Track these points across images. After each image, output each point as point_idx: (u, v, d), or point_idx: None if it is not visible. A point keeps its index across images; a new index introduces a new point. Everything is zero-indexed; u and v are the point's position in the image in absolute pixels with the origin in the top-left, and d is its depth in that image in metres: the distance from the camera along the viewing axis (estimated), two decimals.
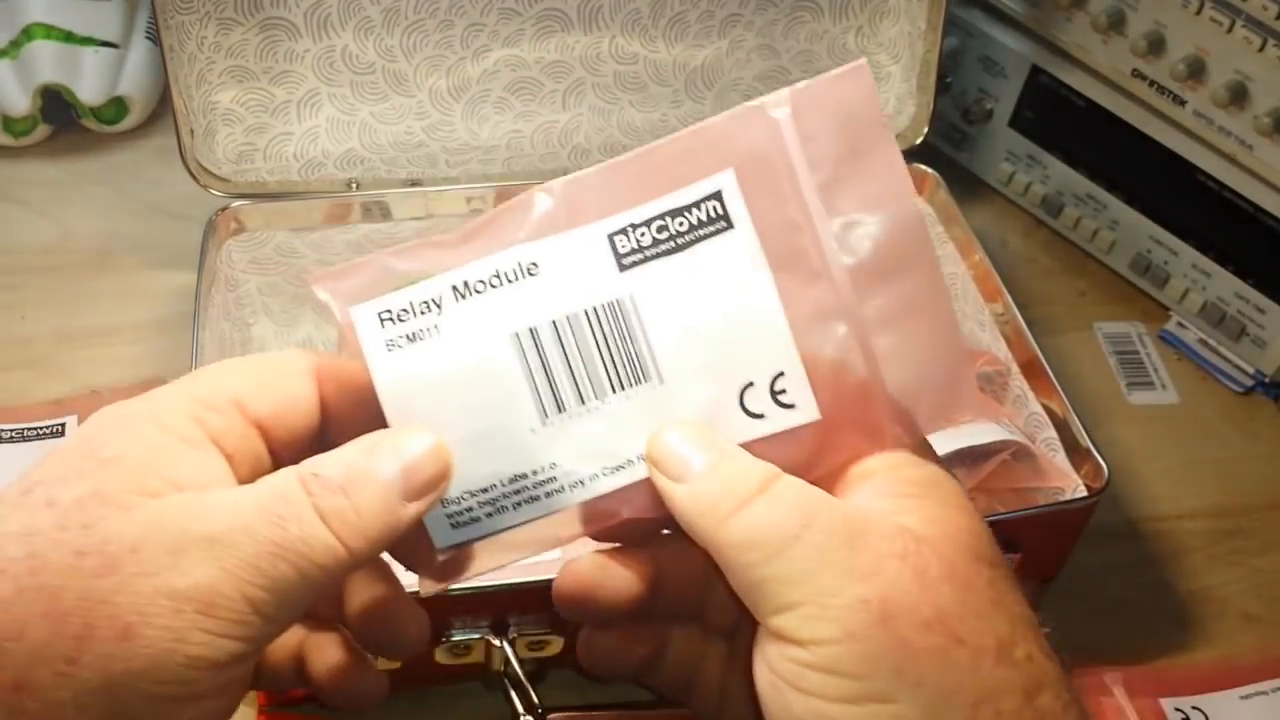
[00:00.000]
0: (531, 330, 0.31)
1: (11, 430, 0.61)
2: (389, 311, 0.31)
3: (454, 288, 0.31)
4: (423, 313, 0.31)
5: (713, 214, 0.31)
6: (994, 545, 0.32)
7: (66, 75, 0.73)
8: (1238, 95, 0.62)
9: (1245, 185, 0.65)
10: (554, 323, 0.31)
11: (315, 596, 0.29)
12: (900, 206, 0.31)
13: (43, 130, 0.77)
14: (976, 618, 0.30)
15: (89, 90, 0.74)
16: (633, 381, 0.32)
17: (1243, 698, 0.55)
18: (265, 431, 0.31)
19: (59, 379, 0.64)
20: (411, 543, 0.32)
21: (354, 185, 0.65)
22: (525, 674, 0.50)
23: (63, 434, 0.61)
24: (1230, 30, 0.61)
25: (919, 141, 0.69)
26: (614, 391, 0.32)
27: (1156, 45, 0.65)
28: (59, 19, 0.74)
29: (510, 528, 0.32)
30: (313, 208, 0.64)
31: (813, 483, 0.31)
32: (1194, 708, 0.54)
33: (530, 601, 0.49)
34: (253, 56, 0.63)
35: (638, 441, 0.32)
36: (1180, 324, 0.71)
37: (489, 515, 0.32)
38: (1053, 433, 0.57)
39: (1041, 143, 0.74)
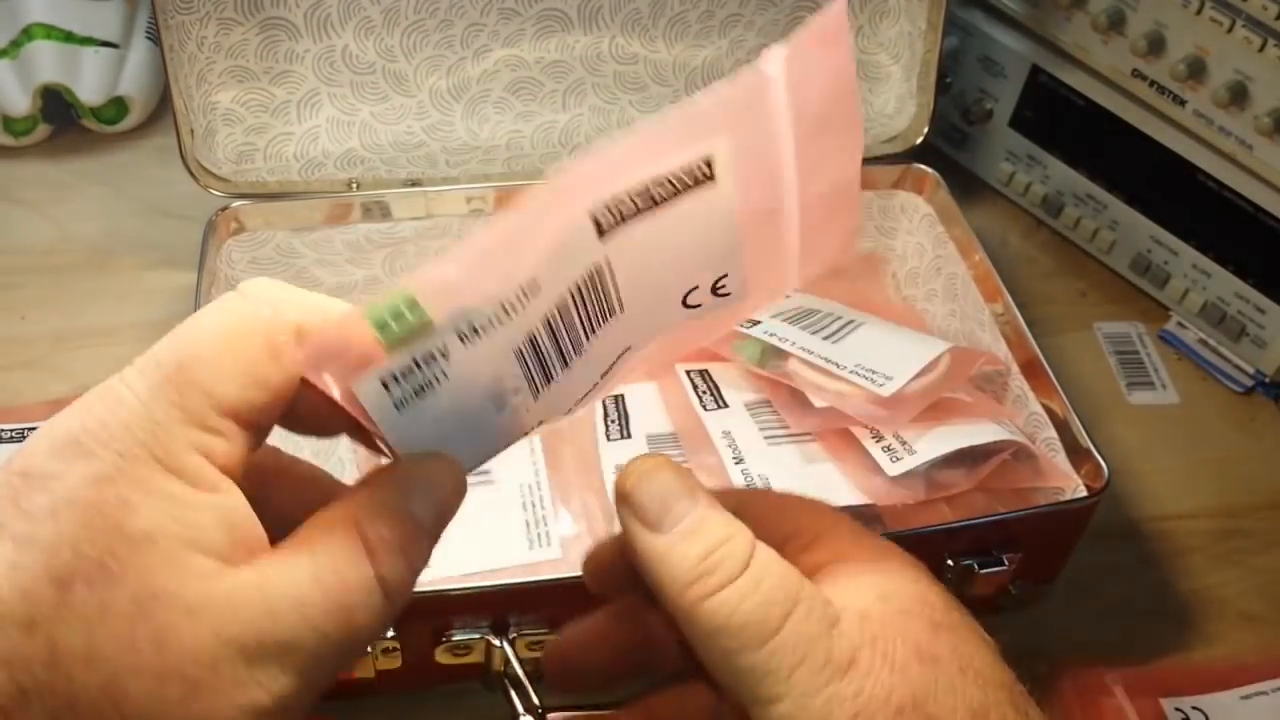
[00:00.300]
0: (532, 337, 0.31)
1: (11, 430, 0.61)
2: (393, 375, 0.29)
3: (459, 334, 0.29)
4: (428, 364, 0.29)
5: (701, 175, 0.31)
6: (946, 600, 0.32)
7: (66, 75, 0.73)
8: (1238, 95, 0.62)
9: (1245, 185, 0.65)
10: (548, 319, 0.31)
11: None
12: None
13: (43, 130, 0.77)
14: (948, 693, 0.29)
15: (89, 90, 0.74)
16: (602, 321, 0.32)
17: (1243, 698, 0.55)
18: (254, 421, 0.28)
19: (59, 379, 0.64)
20: None
21: (354, 185, 0.65)
22: (525, 674, 0.50)
23: None
24: (1230, 30, 0.61)
25: (919, 141, 0.69)
26: (588, 339, 0.32)
27: (1156, 45, 0.65)
28: (59, 19, 0.74)
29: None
30: (313, 208, 0.64)
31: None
32: (1194, 708, 0.54)
33: (530, 602, 0.49)
34: (253, 56, 0.63)
35: (603, 367, 0.33)
36: (1180, 324, 0.71)
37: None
38: (1053, 433, 0.57)
39: (1041, 143, 0.74)
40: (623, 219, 0.30)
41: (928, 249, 0.69)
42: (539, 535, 0.56)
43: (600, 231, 0.30)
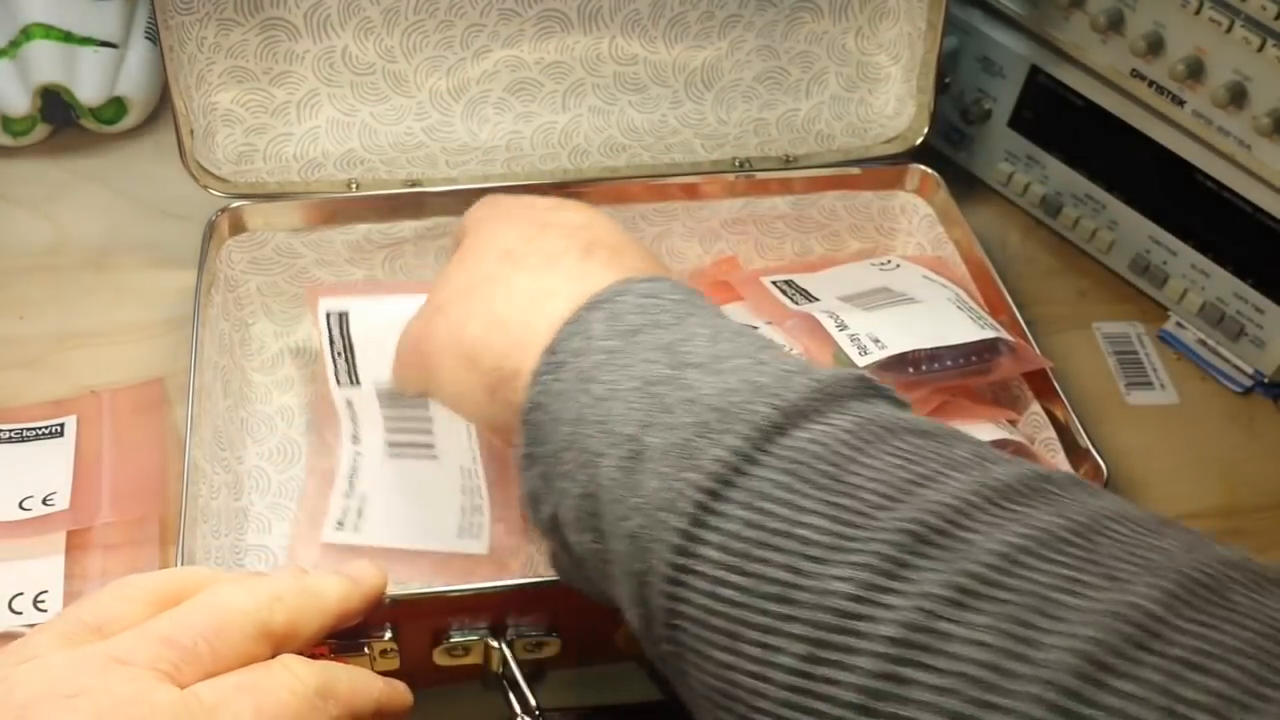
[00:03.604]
0: None
1: (10, 430, 0.61)
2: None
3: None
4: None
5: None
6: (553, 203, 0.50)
7: (66, 75, 0.73)
8: (1237, 95, 0.62)
9: (1244, 185, 0.65)
10: None
11: None
12: None
13: (42, 130, 0.77)
14: (525, 239, 0.46)
15: (88, 90, 0.74)
16: None
17: None
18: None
19: (58, 379, 0.64)
20: None
21: (354, 186, 0.65)
22: (523, 675, 0.50)
23: (61, 434, 0.61)
24: (1230, 30, 0.61)
25: (919, 142, 0.69)
26: None
27: (1156, 45, 0.65)
28: (58, 19, 0.74)
29: None
30: (313, 208, 0.64)
31: None
32: None
33: (529, 603, 0.49)
34: (252, 57, 0.63)
35: None
36: (1179, 324, 0.71)
37: None
38: (1052, 433, 0.57)
39: (1040, 143, 0.74)
40: None
41: (927, 249, 0.69)
42: (470, 524, 0.56)
43: None
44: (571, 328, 0.40)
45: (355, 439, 0.58)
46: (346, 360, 0.58)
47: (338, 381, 0.58)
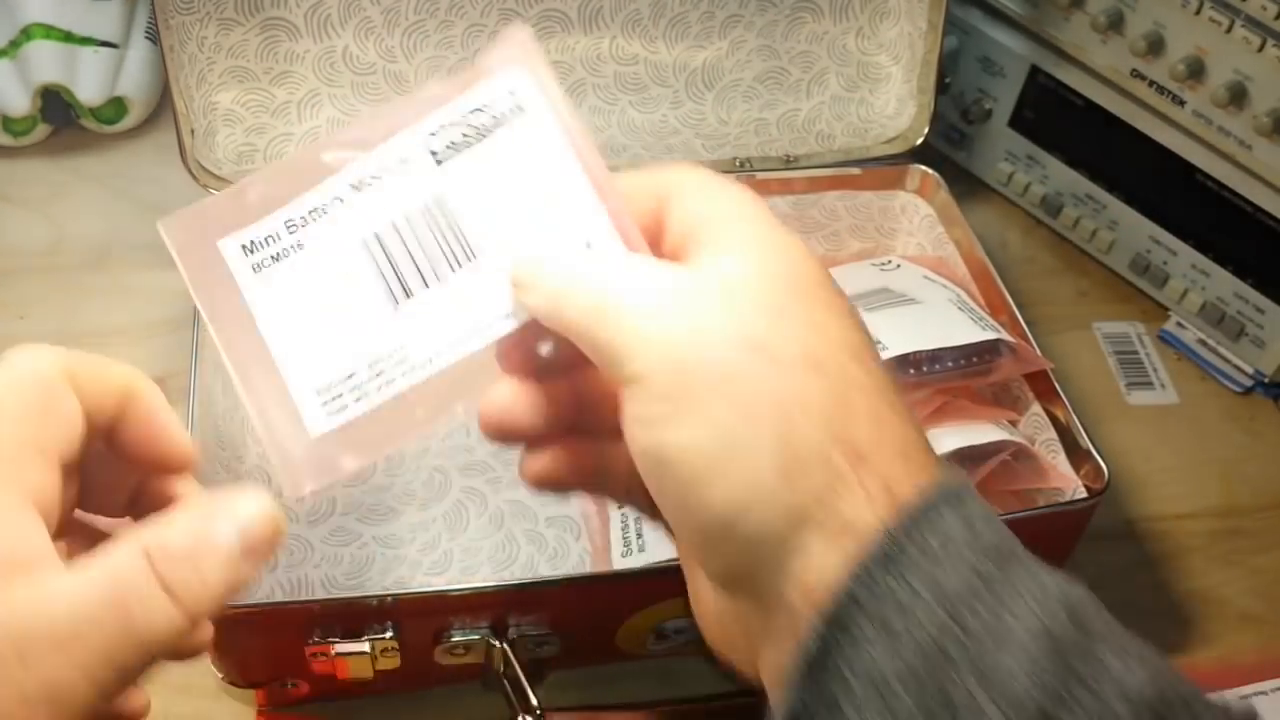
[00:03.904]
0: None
1: None
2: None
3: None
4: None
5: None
6: (813, 273, 0.33)
7: (66, 75, 0.73)
8: (1237, 95, 0.62)
9: (1245, 185, 0.65)
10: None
11: (155, 663, 0.29)
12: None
13: (42, 130, 0.77)
14: (788, 340, 0.31)
15: (88, 90, 0.74)
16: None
17: (1242, 698, 0.55)
18: (62, 462, 0.31)
19: None
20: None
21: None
22: (524, 675, 0.50)
23: None
24: (1230, 30, 0.61)
25: (919, 142, 0.69)
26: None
27: (1156, 45, 0.65)
28: (58, 19, 0.74)
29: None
30: None
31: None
32: None
33: (530, 602, 0.49)
34: (253, 57, 0.63)
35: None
36: (1180, 324, 0.71)
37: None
38: (1053, 434, 0.57)
39: (1041, 143, 0.74)
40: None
41: (928, 249, 0.69)
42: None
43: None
44: (919, 515, 0.29)
45: None
46: None
47: None
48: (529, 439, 0.36)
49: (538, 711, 0.49)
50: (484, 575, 0.56)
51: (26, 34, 0.73)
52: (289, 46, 0.64)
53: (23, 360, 0.32)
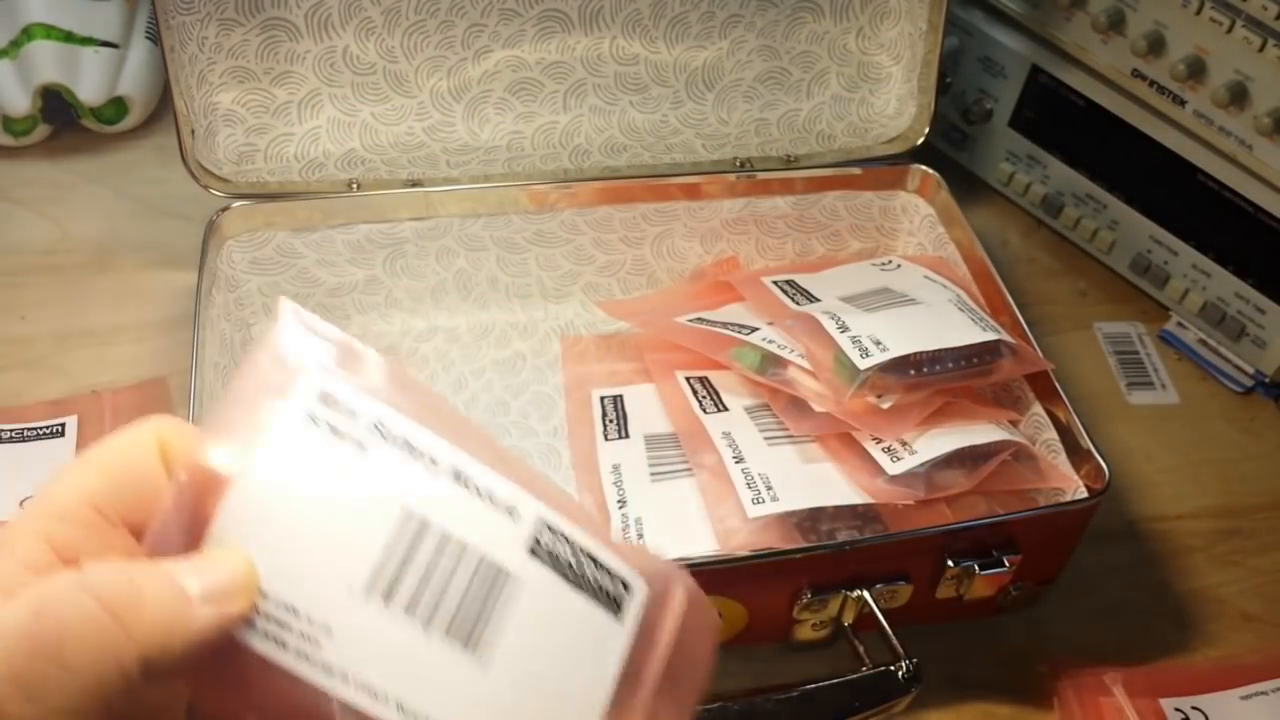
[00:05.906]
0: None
1: (11, 430, 0.61)
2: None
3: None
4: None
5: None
6: None
7: (66, 75, 0.73)
8: (1238, 95, 0.62)
9: (1245, 185, 0.65)
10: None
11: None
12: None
13: (43, 130, 0.77)
14: None
15: (89, 90, 0.74)
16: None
17: (1243, 698, 0.55)
18: (133, 528, 0.29)
19: (59, 379, 0.64)
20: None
21: (355, 186, 0.65)
22: None
23: (62, 434, 0.61)
24: (1230, 30, 0.61)
25: (920, 142, 0.69)
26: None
27: (1156, 45, 0.65)
28: (59, 19, 0.74)
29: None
30: (313, 208, 0.64)
31: None
32: (1194, 708, 0.54)
33: None
34: (254, 57, 0.63)
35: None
36: (1180, 324, 0.71)
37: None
38: (1053, 434, 0.57)
39: (1041, 143, 0.74)
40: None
41: (928, 249, 0.69)
42: None
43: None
44: None
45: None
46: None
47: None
48: None
49: None
50: None
51: (27, 34, 0.73)
52: (289, 47, 0.64)
53: (139, 428, 0.31)
